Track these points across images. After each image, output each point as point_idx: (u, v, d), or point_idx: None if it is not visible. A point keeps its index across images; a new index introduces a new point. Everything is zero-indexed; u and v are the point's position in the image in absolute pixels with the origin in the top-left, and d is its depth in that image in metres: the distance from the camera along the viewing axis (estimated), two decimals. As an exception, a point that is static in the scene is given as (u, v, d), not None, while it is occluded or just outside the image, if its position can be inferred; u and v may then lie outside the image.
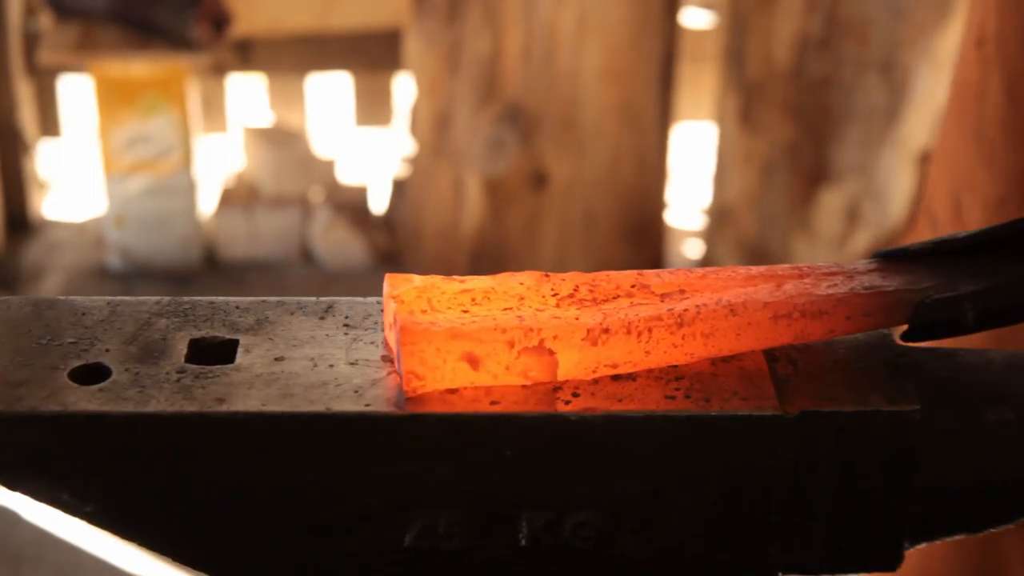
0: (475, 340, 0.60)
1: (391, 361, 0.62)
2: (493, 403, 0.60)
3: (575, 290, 0.64)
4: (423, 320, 0.60)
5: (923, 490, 0.62)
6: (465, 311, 0.62)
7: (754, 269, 0.66)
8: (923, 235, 1.12)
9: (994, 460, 0.63)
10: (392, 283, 0.63)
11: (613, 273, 0.65)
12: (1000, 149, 0.97)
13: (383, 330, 0.65)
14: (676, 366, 0.63)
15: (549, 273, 0.65)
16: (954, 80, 1.07)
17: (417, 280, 0.63)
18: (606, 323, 0.61)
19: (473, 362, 0.60)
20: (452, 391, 0.60)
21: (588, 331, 0.60)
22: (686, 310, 0.61)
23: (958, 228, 1.06)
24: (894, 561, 0.63)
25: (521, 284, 0.64)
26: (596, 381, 0.61)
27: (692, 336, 0.61)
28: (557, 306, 0.63)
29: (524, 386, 0.61)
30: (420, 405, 0.59)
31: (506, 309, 0.62)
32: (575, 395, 0.60)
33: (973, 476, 0.63)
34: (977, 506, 0.64)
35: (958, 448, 0.63)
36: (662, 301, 0.63)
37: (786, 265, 0.66)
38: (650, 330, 0.61)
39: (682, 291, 0.64)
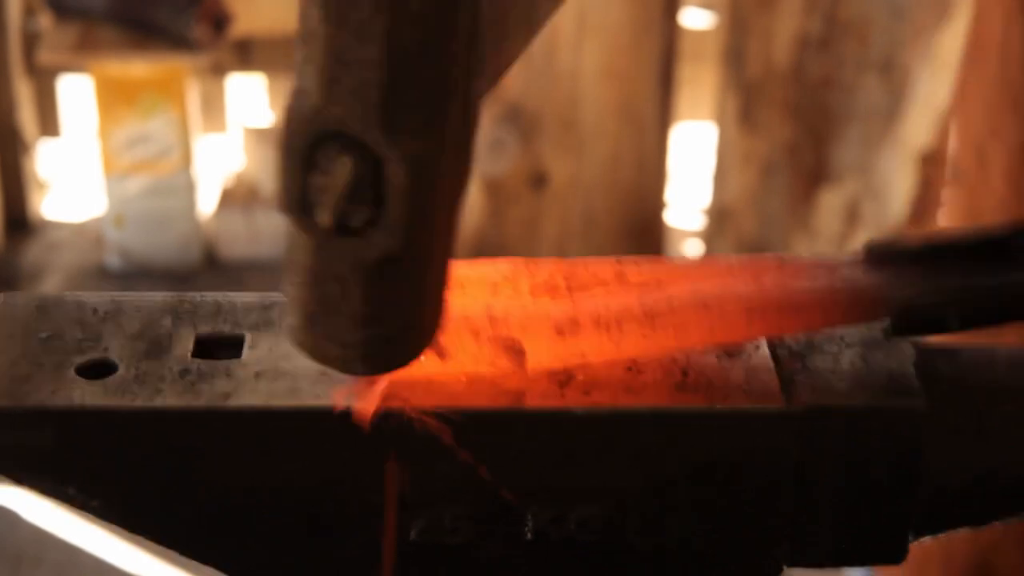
0: (441, 330, 0.60)
1: None
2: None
3: (550, 278, 0.64)
4: None
5: (929, 486, 0.62)
6: None
7: (734, 260, 0.65)
8: (951, 191, 1.12)
9: (999, 455, 0.63)
10: None
11: (592, 261, 0.65)
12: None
13: None
14: (678, 360, 0.63)
15: (528, 260, 0.64)
16: (972, 33, 1.08)
17: None
18: (575, 315, 0.60)
19: (439, 351, 0.60)
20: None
21: (557, 323, 0.60)
22: (658, 303, 0.61)
23: (982, 175, 1.06)
24: (899, 555, 0.63)
25: (497, 272, 0.64)
26: (604, 374, 0.61)
27: (663, 329, 0.61)
28: (531, 294, 0.63)
29: (532, 378, 0.61)
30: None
31: (478, 299, 0.62)
32: (585, 393, 0.60)
33: (978, 471, 0.63)
34: (982, 501, 0.64)
35: (963, 444, 0.63)
36: (636, 292, 0.63)
37: (768, 256, 0.66)
38: (619, 322, 0.61)
39: (659, 281, 0.64)
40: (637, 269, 0.64)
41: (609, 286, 0.64)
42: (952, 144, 1.16)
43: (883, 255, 0.66)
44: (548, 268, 0.64)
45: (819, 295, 0.63)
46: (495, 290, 0.63)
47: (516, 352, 0.60)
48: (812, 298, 0.62)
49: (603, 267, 0.64)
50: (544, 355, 0.60)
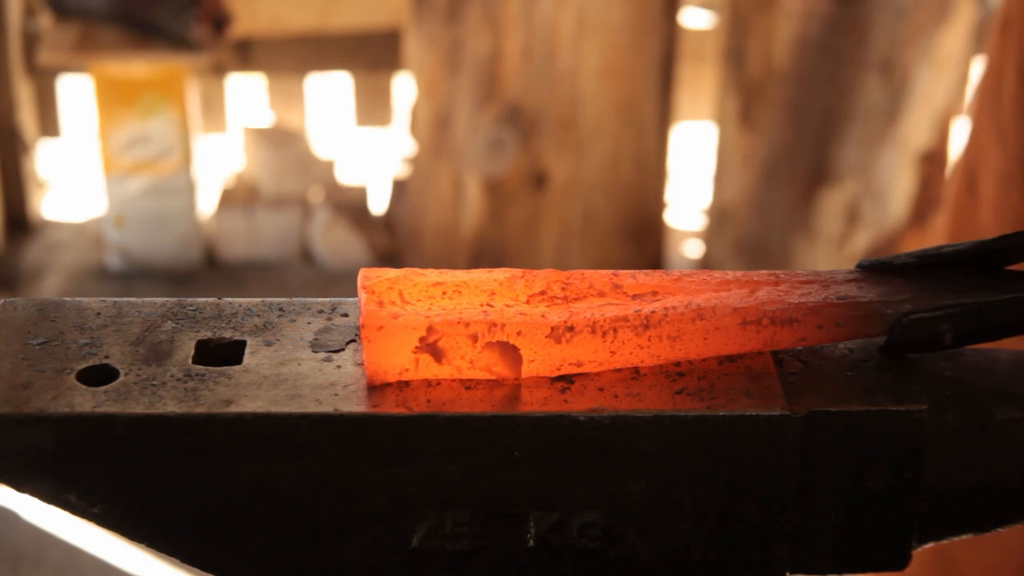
0: (438, 332, 0.60)
1: None
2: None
3: (547, 288, 0.64)
4: (388, 311, 0.60)
5: (931, 490, 0.62)
6: (434, 304, 0.62)
7: (730, 274, 0.66)
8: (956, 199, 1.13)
9: (1002, 459, 0.63)
10: (365, 275, 0.63)
11: (588, 272, 0.65)
12: (1012, 129, 0.98)
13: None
14: (679, 364, 0.63)
15: (524, 270, 0.65)
16: (985, 63, 1.09)
17: (391, 272, 0.63)
18: (571, 321, 0.61)
19: (436, 354, 0.60)
20: (432, 382, 0.60)
21: (552, 328, 0.60)
22: (653, 312, 0.61)
23: (972, 203, 1.06)
24: (902, 561, 0.63)
25: (494, 280, 0.64)
26: (605, 380, 0.61)
27: (658, 338, 0.61)
28: (527, 302, 0.63)
29: (529, 381, 0.61)
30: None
31: (475, 303, 0.62)
32: (586, 397, 0.60)
33: (981, 475, 0.63)
34: (985, 505, 0.64)
35: (966, 448, 0.63)
36: (632, 302, 0.63)
37: (763, 271, 0.66)
38: (615, 330, 0.61)
39: (655, 293, 0.64)
40: (633, 280, 0.65)
41: (606, 296, 0.64)
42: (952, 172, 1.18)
43: (879, 270, 0.66)
44: (544, 277, 0.64)
45: (814, 308, 0.63)
46: (492, 296, 0.63)
47: (513, 358, 0.60)
48: (807, 311, 0.63)
49: (599, 278, 0.65)
50: (539, 360, 0.61)
